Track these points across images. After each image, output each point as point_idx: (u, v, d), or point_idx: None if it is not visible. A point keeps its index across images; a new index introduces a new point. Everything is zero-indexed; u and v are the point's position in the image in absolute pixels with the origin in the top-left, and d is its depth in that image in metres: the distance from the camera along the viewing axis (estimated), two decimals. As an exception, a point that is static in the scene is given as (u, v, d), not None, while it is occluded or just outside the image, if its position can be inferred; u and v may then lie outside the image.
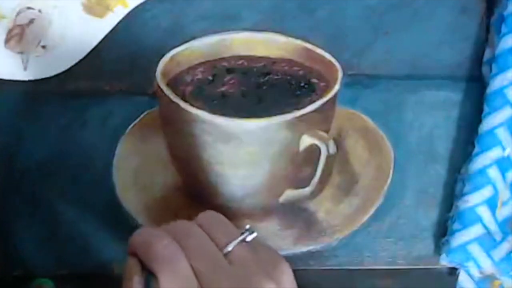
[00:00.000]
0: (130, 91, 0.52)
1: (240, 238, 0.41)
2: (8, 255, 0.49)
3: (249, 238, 0.42)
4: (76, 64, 0.52)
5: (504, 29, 0.52)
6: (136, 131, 0.51)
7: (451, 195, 0.51)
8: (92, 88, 0.52)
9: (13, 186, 0.50)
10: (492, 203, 0.50)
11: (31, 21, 0.52)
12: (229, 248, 0.41)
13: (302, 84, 0.50)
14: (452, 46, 0.53)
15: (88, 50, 0.52)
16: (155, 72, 0.49)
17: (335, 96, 0.49)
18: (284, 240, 0.50)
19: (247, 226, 0.42)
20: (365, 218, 0.50)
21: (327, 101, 0.48)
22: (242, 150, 0.47)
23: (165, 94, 0.48)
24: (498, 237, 0.50)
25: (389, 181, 0.51)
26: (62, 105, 0.52)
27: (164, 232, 0.41)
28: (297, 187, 0.49)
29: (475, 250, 0.49)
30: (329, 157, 0.47)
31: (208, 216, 0.43)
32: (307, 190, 0.48)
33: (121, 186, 0.50)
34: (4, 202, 0.50)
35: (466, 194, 0.50)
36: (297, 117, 0.47)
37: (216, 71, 0.50)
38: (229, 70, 0.51)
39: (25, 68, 0.52)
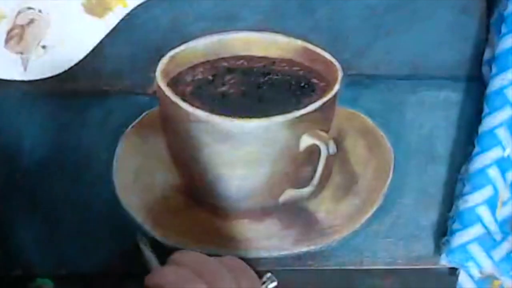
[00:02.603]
0: (130, 91, 0.52)
1: (263, 287, 0.44)
2: (8, 255, 0.49)
3: (270, 286, 0.44)
4: (76, 64, 0.52)
5: (504, 29, 0.52)
6: (136, 131, 0.51)
7: (451, 195, 0.51)
8: (92, 88, 0.52)
9: (13, 186, 0.50)
10: (492, 203, 0.50)
11: (31, 21, 0.52)
12: None
13: (302, 84, 0.50)
14: (452, 46, 0.53)
15: (88, 50, 0.52)
16: (155, 72, 0.49)
17: (335, 96, 0.49)
18: (284, 240, 0.50)
19: (268, 275, 0.43)
20: (365, 218, 0.50)
21: (327, 101, 0.48)
22: (242, 150, 0.47)
23: (165, 94, 0.48)
24: (498, 237, 0.50)
25: (389, 181, 0.51)
26: (62, 105, 0.51)
27: (195, 275, 0.41)
28: (297, 187, 0.49)
29: (475, 250, 0.49)
30: (329, 157, 0.47)
31: (233, 261, 0.44)
32: (307, 190, 0.49)
33: (121, 186, 0.50)
34: (4, 202, 0.50)
35: (466, 194, 0.50)
36: (297, 117, 0.47)
37: (216, 71, 0.50)
38: (229, 70, 0.51)
39: (25, 68, 0.52)
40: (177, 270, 0.42)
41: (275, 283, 0.44)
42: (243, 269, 0.43)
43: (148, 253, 0.47)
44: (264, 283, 0.43)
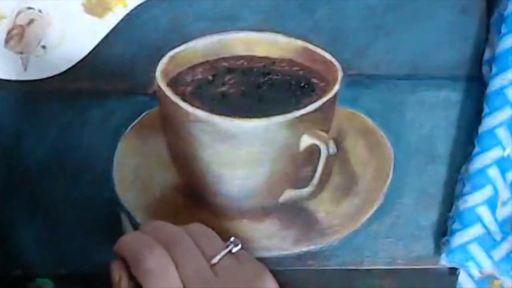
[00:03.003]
0: (130, 91, 0.52)
1: (226, 250, 0.43)
2: (8, 255, 0.49)
3: (234, 250, 0.43)
4: (76, 64, 0.52)
5: (504, 29, 0.52)
6: (136, 131, 0.51)
7: (451, 195, 0.51)
8: (92, 88, 0.52)
9: (13, 186, 0.50)
10: (492, 203, 0.50)
11: (31, 21, 0.52)
12: (215, 259, 0.42)
13: (302, 84, 0.50)
14: (452, 46, 0.53)
15: (88, 50, 0.52)
16: (155, 72, 0.49)
17: (335, 96, 0.49)
18: (284, 240, 0.50)
19: (232, 239, 0.43)
20: (365, 218, 0.50)
21: (327, 101, 0.48)
22: (242, 150, 0.47)
23: (165, 94, 0.48)
24: (498, 237, 0.50)
25: (389, 181, 0.51)
26: (62, 105, 0.52)
27: (154, 239, 0.42)
28: (297, 187, 0.49)
29: (475, 250, 0.49)
30: (329, 157, 0.47)
31: (195, 227, 0.44)
32: (307, 190, 0.48)
33: (121, 186, 0.50)
34: (4, 202, 0.50)
35: (466, 194, 0.50)
36: (297, 117, 0.47)
37: (216, 71, 0.50)
38: (229, 70, 0.51)
39: (25, 68, 0.52)
40: (137, 236, 0.43)
41: (239, 247, 0.43)
42: (205, 233, 0.44)
43: (127, 226, 0.47)
44: (227, 246, 0.43)
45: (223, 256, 0.42)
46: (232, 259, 0.43)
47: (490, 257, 0.49)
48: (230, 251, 0.43)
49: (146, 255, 0.41)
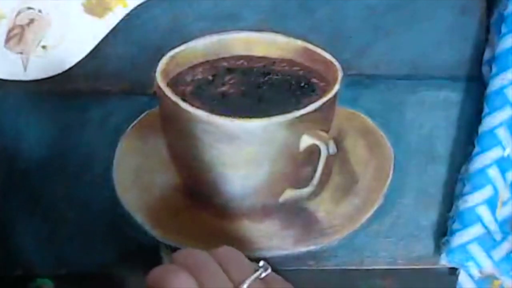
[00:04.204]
0: (130, 91, 0.52)
1: (255, 275, 0.42)
2: (8, 255, 0.49)
3: (263, 275, 0.42)
4: (76, 64, 0.52)
5: (504, 29, 0.52)
6: (136, 131, 0.51)
7: (451, 195, 0.51)
8: (92, 88, 0.52)
9: (13, 186, 0.50)
10: (492, 203, 0.50)
11: (31, 21, 0.52)
12: (244, 286, 0.41)
13: (302, 84, 0.50)
14: (452, 46, 0.53)
15: (88, 50, 0.52)
16: (155, 72, 0.49)
17: (335, 96, 0.49)
18: (284, 240, 0.50)
19: (261, 263, 0.42)
20: (365, 218, 0.50)
21: (327, 101, 0.48)
22: (242, 150, 0.47)
23: (165, 94, 0.48)
24: (498, 237, 0.50)
25: (389, 181, 0.51)
26: (62, 105, 0.51)
27: (180, 266, 0.41)
28: (297, 187, 0.49)
29: (475, 250, 0.49)
30: (329, 157, 0.47)
31: (224, 251, 0.43)
32: (307, 190, 0.48)
33: (121, 186, 0.50)
34: (4, 202, 0.50)
35: (466, 194, 0.50)
36: (297, 117, 0.47)
37: (216, 71, 0.51)
38: (229, 70, 0.51)
39: (25, 68, 0.52)
40: (165, 267, 0.42)
41: (268, 271, 0.42)
42: (234, 259, 0.42)
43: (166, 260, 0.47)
44: (256, 270, 0.42)
45: (252, 281, 0.41)
46: (262, 285, 0.42)
47: (490, 257, 0.49)
48: (259, 276, 0.42)
49: (171, 279, 0.40)
